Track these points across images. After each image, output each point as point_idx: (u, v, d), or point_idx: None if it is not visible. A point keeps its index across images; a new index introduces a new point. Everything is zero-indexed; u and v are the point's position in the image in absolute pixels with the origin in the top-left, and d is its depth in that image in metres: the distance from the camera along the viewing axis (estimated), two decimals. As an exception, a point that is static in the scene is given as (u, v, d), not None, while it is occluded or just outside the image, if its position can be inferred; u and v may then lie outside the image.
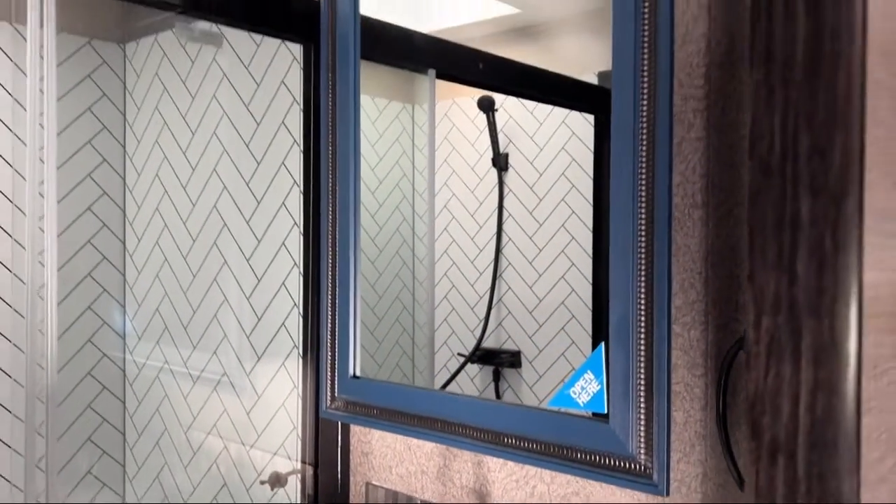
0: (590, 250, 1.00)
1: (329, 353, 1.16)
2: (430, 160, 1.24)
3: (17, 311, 1.48)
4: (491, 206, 1.14)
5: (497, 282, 1.13)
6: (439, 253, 1.21)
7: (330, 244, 1.16)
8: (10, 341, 1.49)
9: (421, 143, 1.25)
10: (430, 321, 1.23)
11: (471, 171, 1.17)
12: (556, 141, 1.05)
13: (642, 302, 0.82)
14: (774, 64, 0.43)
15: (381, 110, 1.33)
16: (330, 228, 1.16)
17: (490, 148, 1.15)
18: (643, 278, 0.82)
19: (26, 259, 0.94)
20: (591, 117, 1.01)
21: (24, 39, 1.56)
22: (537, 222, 1.07)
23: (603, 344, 0.87)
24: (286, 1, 1.22)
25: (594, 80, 0.97)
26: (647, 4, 0.83)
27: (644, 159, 0.82)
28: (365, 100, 1.22)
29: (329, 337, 1.16)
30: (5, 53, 1.57)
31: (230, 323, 1.52)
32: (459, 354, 1.18)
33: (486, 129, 1.18)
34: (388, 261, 1.28)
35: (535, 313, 1.07)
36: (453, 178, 1.20)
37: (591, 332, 0.98)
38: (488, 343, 1.13)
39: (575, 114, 1.04)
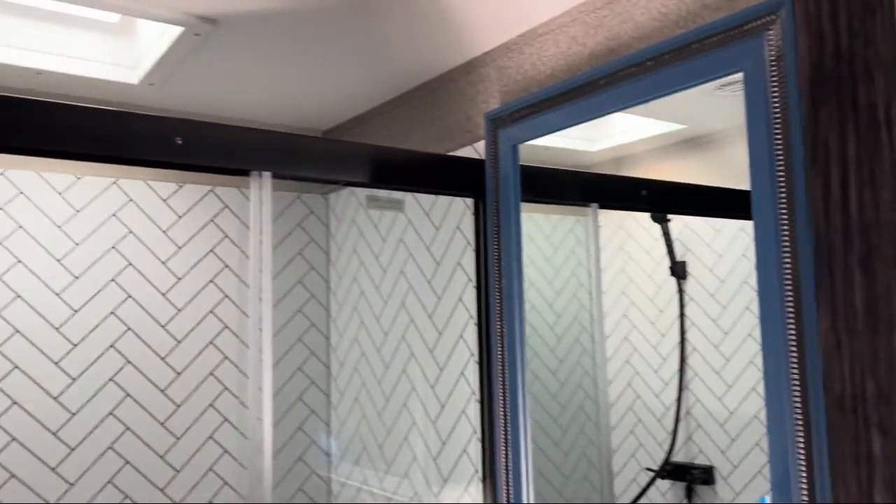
0: (781, 362, 0.97)
1: (505, 484, 1.23)
2: (595, 284, 1.29)
3: (242, 434, 1.72)
4: (672, 315, 1.13)
5: (683, 393, 1.10)
6: (621, 363, 1.22)
7: (501, 380, 1.26)
8: (238, 462, 1.73)
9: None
10: (605, 433, 1.23)
11: (649, 280, 1.19)
12: (735, 248, 1.04)
13: (802, 457, 0.81)
14: (838, 315, 0.46)
15: (556, 225, 1.40)
16: (500, 367, 1.25)
17: (667, 256, 1.16)
18: (801, 434, 0.82)
19: (249, 387, 1.13)
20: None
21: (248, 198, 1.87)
22: (722, 331, 1.04)
23: (766, 499, 0.87)
24: (457, 166, 1.38)
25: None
26: (779, 148, 0.86)
27: (791, 300, 0.83)
28: (539, 217, 1.30)
29: (504, 467, 1.24)
30: (235, 214, 1.89)
31: (418, 446, 1.65)
32: (647, 469, 1.16)
33: (662, 238, 1.20)
34: (570, 371, 1.30)
35: (726, 426, 1.03)
36: (631, 287, 1.22)
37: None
38: (678, 457, 1.11)
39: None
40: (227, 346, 1.83)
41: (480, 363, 1.43)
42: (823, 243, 0.44)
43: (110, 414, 1.67)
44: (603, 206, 1.34)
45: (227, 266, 1.86)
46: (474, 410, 1.47)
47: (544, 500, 1.29)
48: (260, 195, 1.15)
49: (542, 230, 1.42)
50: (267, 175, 1.15)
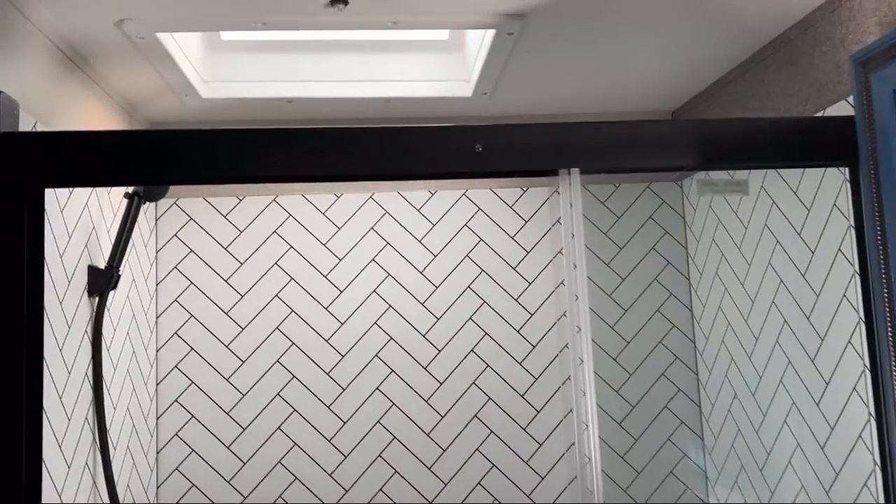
0: None
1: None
2: None
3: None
4: None
5: None
6: None
7: (893, 402, 0.95)
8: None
9: None
10: None
11: None
12: None
13: None
14: None
15: None
16: (892, 385, 0.95)
17: None
18: None
19: (573, 392, 1.04)
20: None
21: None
22: None
23: None
24: (818, 128, 1.09)
25: None
26: None
27: None
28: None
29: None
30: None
31: (806, 474, 1.36)
32: None
33: None
34: None
35: None
36: None
37: None
38: None
39: None
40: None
41: (874, 378, 1.11)
42: None
43: (475, 417, 1.73)
44: None
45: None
46: (872, 436, 1.15)
47: None
48: (570, 193, 1.05)
49: None
50: (575, 172, 1.05)
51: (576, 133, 1.05)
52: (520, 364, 1.76)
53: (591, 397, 1.03)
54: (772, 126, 1.10)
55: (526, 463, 1.73)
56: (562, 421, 1.74)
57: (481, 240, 1.79)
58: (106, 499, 1.32)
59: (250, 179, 1.02)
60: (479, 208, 1.80)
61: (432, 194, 1.79)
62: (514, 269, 1.79)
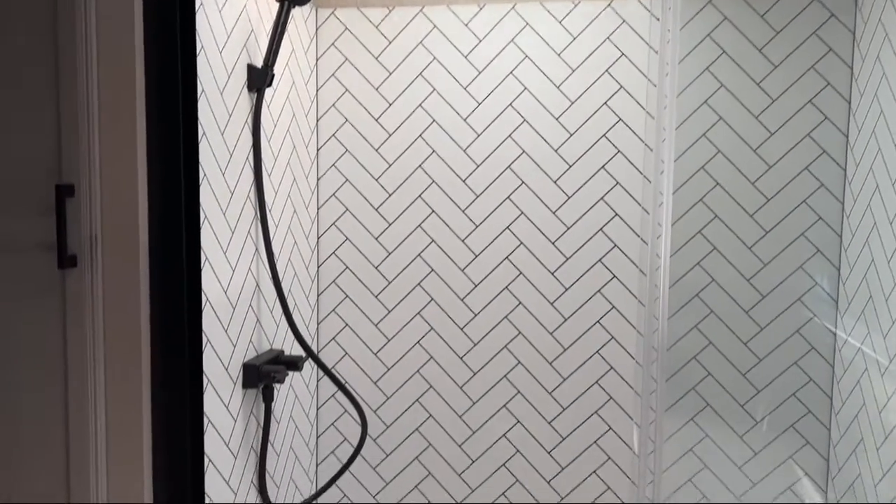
0: None
1: None
2: None
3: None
4: None
5: None
6: None
7: None
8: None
9: None
10: None
11: None
12: None
13: None
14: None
15: None
16: None
17: None
18: None
19: (650, 221, 1.08)
20: None
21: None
22: None
23: None
24: None
25: None
26: None
27: None
28: None
29: None
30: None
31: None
32: None
33: None
34: None
35: None
36: None
37: None
38: None
39: None
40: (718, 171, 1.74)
41: None
42: None
43: (600, 230, 1.80)
44: None
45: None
46: None
47: None
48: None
49: None
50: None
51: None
52: (649, 180, 1.77)
53: (668, 210, 1.06)
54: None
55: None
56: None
57: (623, 54, 1.76)
58: (265, 258, 1.58)
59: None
60: (624, 20, 1.75)
61: (575, 5, 1.76)
62: (654, 85, 1.75)
